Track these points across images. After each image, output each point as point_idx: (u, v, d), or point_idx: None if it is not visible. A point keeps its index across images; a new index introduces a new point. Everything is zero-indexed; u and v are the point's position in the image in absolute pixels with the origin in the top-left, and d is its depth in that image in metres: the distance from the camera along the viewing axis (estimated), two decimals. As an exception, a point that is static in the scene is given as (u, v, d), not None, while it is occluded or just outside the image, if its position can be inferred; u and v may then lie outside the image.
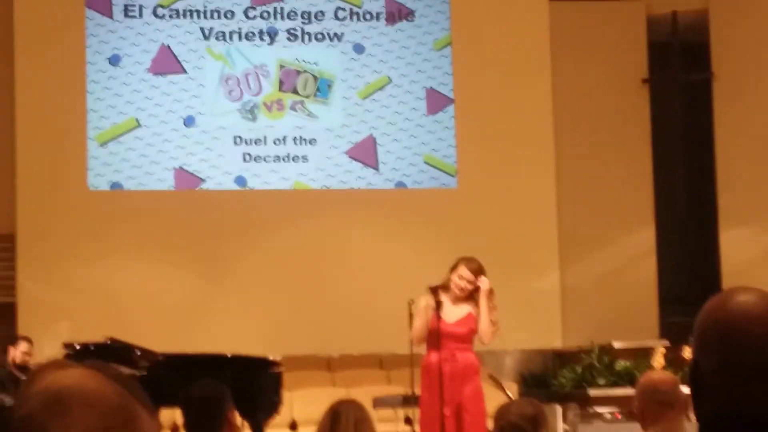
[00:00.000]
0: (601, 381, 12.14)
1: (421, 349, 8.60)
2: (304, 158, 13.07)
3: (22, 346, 10.63)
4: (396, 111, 13.25)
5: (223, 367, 9.00)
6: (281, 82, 13.18)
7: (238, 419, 7.21)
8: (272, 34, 13.21)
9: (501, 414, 4.88)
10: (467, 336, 8.43)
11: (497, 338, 8.55)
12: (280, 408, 9.43)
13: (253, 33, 13.17)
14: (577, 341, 12.94)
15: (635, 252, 13.60)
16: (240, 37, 13.13)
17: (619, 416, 10.64)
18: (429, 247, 12.52)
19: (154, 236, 12.74)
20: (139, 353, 9.17)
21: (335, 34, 13.29)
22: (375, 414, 8.05)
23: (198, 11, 13.08)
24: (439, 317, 8.32)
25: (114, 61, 12.89)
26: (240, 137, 13.00)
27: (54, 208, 12.62)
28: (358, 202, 13.04)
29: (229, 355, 9.34)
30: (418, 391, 8.65)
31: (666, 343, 11.21)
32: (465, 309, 8.44)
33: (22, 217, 12.59)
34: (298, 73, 13.21)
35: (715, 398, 1.93)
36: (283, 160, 13.03)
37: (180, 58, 13.00)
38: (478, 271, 8.43)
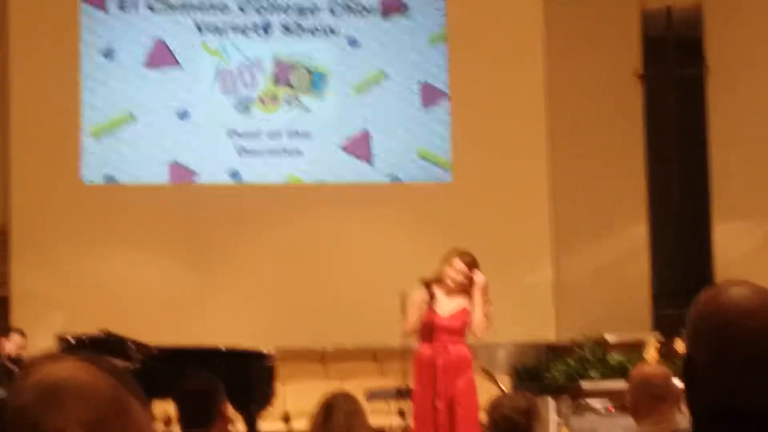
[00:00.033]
0: (594, 374, 12.15)
1: (414, 342, 8.60)
2: (299, 152, 13.06)
3: (15, 338, 10.62)
4: (390, 105, 13.24)
5: (216, 360, 9.00)
6: (276, 76, 13.17)
7: (231, 412, 7.21)
8: (267, 28, 13.19)
9: (494, 407, 4.89)
10: (461, 329, 8.45)
11: (490, 331, 8.57)
12: (273, 400, 9.44)
13: (247, 27, 13.15)
14: (571, 334, 12.95)
15: (629, 246, 13.61)
16: (234, 31, 13.12)
17: (612, 409, 10.63)
18: (423, 240, 12.50)
19: (148, 230, 12.73)
20: (133, 346, 9.17)
21: (330, 28, 13.27)
22: (368, 407, 8.05)
23: (192, 5, 13.06)
24: (432, 310, 8.33)
25: (108, 54, 12.86)
26: (234, 131, 12.99)
27: (48, 202, 12.60)
28: (353, 195, 13.03)
29: (222, 348, 9.35)
30: (411, 384, 8.66)
31: (659, 336, 11.21)
32: (459, 303, 8.44)
33: (16, 210, 12.57)
34: (293, 67, 13.20)
35: (708, 391, 1.93)
36: (278, 154, 13.03)
37: (174, 52, 12.98)
38: (472, 263, 8.45)
